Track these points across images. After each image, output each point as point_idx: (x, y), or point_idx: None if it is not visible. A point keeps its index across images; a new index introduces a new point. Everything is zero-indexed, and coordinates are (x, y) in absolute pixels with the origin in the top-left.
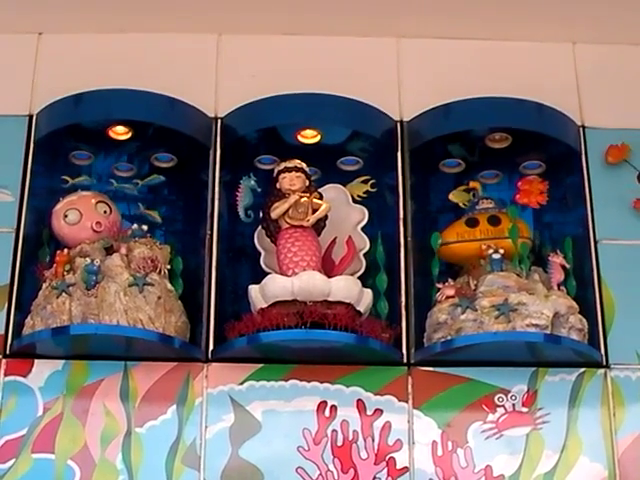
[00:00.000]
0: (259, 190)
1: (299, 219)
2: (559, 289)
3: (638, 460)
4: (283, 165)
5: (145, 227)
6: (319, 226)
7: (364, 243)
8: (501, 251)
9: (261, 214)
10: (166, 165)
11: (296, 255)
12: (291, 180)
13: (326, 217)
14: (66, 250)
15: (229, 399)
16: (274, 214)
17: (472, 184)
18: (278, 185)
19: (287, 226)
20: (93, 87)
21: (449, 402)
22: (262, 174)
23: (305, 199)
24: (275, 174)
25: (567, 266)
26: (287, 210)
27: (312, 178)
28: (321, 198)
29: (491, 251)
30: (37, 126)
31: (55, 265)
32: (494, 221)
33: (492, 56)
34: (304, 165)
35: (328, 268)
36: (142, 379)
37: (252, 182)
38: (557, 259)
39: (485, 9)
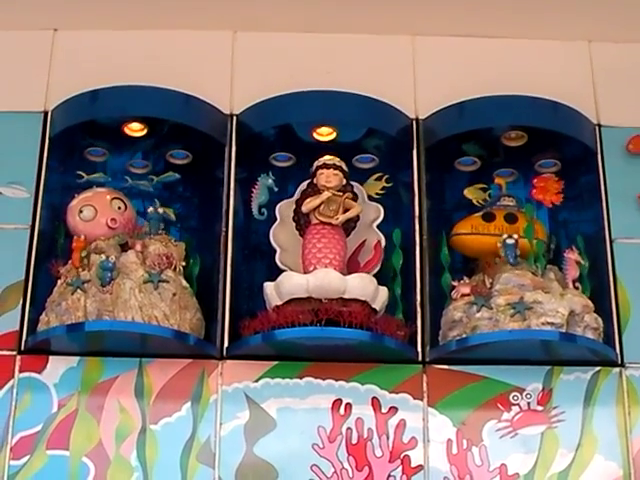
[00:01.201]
0: (276, 189)
1: (329, 216)
2: (574, 285)
3: None
4: (322, 161)
5: (161, 210)
6: (349, 226)
7: (380, 240)
8: (515, 236)
9: (292, 206)
10: (181, 162)
11: (320, 252)
12: (328, 177)
13: (357, 218)
14: (83, 236)
15: (244, 396)
16: (305, 208)
17: (497, 180)
18: (315, 180)
19: (316, 222)
20: (108, 84)
21: (464, 400)
22: (277, 171)
23: (338, 197)
24: (314, 169)
25: (582, 262)
26: (319, 206)
27: None
28: (355, 199)
29: (505, 236)
30: (52, 122)
31: (72, 252)
32: (511, 219)
33: (507, 54)
34: (343, 164)
35: (352, 269)
36: (157, 376)
37: (270, 181)
38: (572, 255)
39: (500, 7)
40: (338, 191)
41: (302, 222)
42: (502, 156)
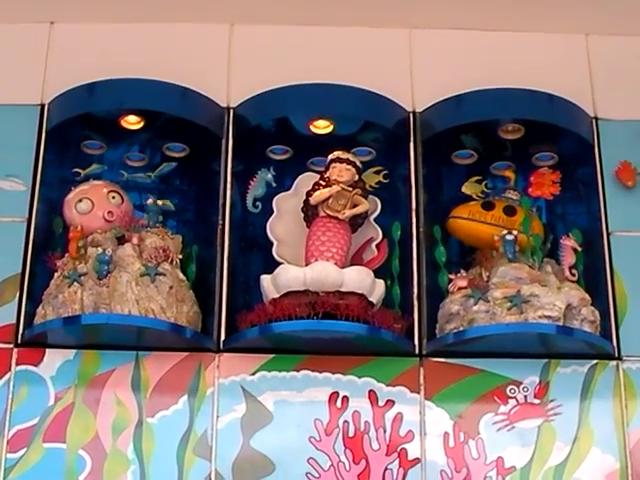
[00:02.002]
0: (274, 185)
1: (336, 210)
2: (570, 272)
3: None
4: (337, 155)
5: (160, 202)
6: (356, 222)
7: (376, 234)
8: (514, 232)
9: (292, 199)
10: (178, 155)
11: (323, 245)
12: (340, 171)
13: (366, 215)
14: (80, 226)
15: (241, 389)
16: (313, 200)
17: (507, 173)
18: (327, 173)
19: (324, 215)
20: (105, 76)
21: (461, 393)
22: (274, 164)
23: (348, 192)
24: (327, 162)
25: (579, 249)
26: (327, 199)
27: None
28: (366, 196)
29: (504, 232)
30: (49, 115)
31: (69, 242)
32: (509, 211)
33: (505, 47)
34: (357, 160)
35: (355, 265)
36: (153, 369)
37: (269, 176)
38: (569, 242)
39: (497, 0)
40: (349, 186)
41: (310, 213)
42: (499, 149)
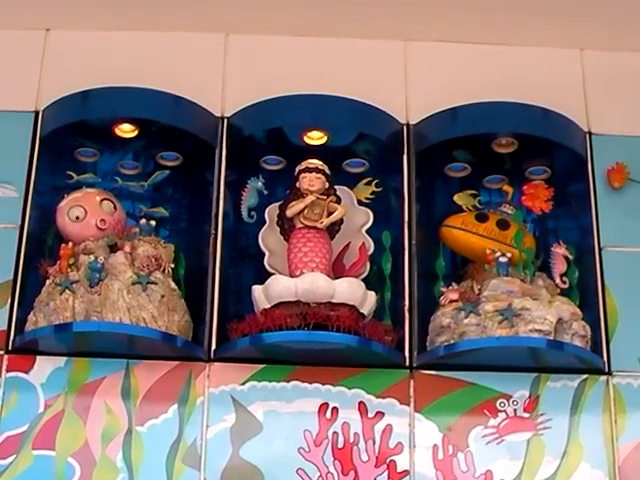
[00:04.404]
0: (265, 192)
1: (313, 220)
2: (561, 280)
3: (639, 467)
4: (305, 165)
5: (153, 222)
6: (333, 229)
7: (368, 246)
8: (508, 255)
9: (277, 211)
10: (171, 164)
11: (306, 255)
12: (311, 180)
13: (341, 221)
14: (71, 244)
15: (231, 399)
16: (289, 212)
17: (505, 187)
18: (298, 184)
19: (301, 226)
20: (100, 84)
21: (451, 406)
22: (267, 174)
23: (322, 201)
24: (296, 172)
25: (570, 257)
26: (302, 210)
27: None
28: (339, 202)
29: (498, 254)
30: (43, 122)
31: (59, 259)
32: (502, 225)
33: (499, 61)
34: (326, 167)
35: (338, 272)
36: (144, 377)
37: (259, 184)
38: (560, 250)
39: (493, 14)
40: (321, 194)
41: (286, 226)
42: (492, 162)
